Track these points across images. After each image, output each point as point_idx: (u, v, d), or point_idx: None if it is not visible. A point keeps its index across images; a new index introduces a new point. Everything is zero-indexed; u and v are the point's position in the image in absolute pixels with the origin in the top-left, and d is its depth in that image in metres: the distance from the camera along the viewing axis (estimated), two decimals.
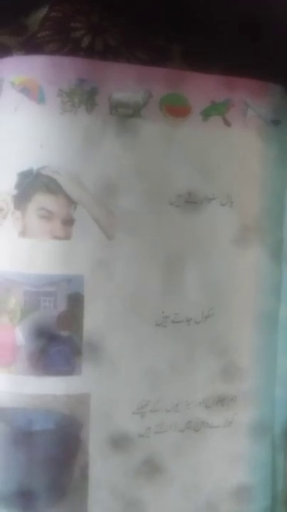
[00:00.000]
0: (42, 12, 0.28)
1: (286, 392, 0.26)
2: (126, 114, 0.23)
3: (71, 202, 0.23)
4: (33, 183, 0.23)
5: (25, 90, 0.23)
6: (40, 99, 0.23)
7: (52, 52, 0.26)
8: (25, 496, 0.24)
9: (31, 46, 0.27)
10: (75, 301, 0.23)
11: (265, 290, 0.25)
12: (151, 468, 0.25)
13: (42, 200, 0.23)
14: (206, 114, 0.24)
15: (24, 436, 0.24)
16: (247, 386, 0.25)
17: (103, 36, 0.27)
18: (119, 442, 0.24)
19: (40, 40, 0.27)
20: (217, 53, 0.27)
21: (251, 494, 0.26)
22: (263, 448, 0.26)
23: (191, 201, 0.24)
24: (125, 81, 0.23)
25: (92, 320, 0.24)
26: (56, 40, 0.27)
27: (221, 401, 0.25)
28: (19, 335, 0.23)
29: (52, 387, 0.23)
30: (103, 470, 0.24)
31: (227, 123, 0.25)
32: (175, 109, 0.24)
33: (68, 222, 0.23)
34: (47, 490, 0.24)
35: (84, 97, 0.23)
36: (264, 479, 0.26)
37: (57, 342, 0.23)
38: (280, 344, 0.25)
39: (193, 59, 0.28)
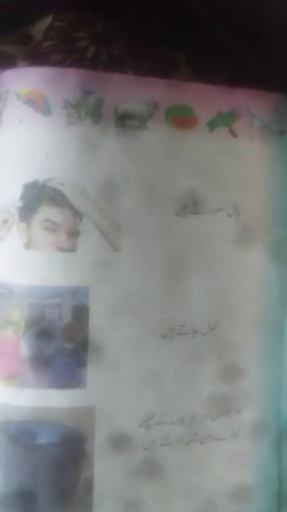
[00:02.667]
0: (47, 21, 0.28)
1: None
2: (132, 126, 0.23)
3: (77, 213, 0.23)
4: (38, 195, 0.23)
5: (31, 102, 0.23)
6: (45, 111, 0.23)
7: (57, 63, 0.26)
8: (29, 510, 0.24)
9: (36, 56, 0.27)
10: (80, 313, 0.23)
11: (270, 298, 0.25)
12: (154, 473, 0.25)
13: (47, 211, 0.23)
14: (212, 125, 0.24)
15: (28, 450, 0.23)
16: (252, 391, 0.25)
17: (108, 46, 0.27)
18: (124, 455, 0.24)
19: (44, 50, 0.27)
20: (223, 62, 0.27)
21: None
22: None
23: (197, 212, 0.24)
24: (131, 92, 0.23)
25: (97, 332, 0.23)
26: (61, 50, 0.27)
27: (228, 412, 0.25)
28: (23, 347, 0.23)
29: (56, 400, 0.23)
30: (108, 483, 0.24)
31: (234, 134, 0.24)
32: (182, 120, 0.24)
33: (74, 233, 0.23)
34: (51, 504, 0.24)
35: (90, 108, 0.23)
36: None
37: (62, 354, 0.23)
38: (286, 350, 0.25)
39: (199, 67, 0.28)
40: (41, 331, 0.23)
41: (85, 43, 0.27)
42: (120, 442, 0.24)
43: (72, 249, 0.23)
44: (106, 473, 0.24)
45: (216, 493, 0.25)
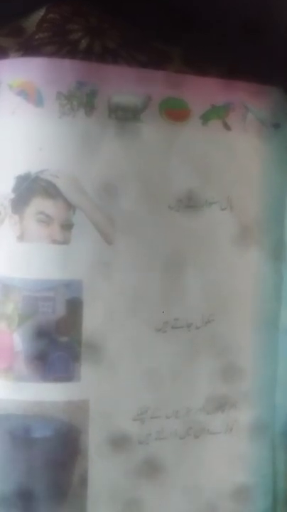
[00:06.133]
0: (40, 14, 0.28)
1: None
2: (125, 118, 0.23)
3: (70, 206, 0.23)
4: (31, 187, 0.23)
5: (23, 93, 0.23)
6: (38, 102, 0.22)
7: (50, 55, 0.26)
8: (24, 504, 0.24)
9: (29, 48, 0.27)
10: (74, 306, 0.23)
11: (265, 294, 0.25)
12: (151, 471, 0.24)
13: (40, 204, 0.23)
14: (206, 118, 0.24)
15: (22, 444, 0.23)
16: (248, 388, 0.25)
17: (101, 38, 0.27)
18: (119, 449, 0.24)
19: (37, 42, 0.27)
20: (217, 55, 0.27)
21: (251, 494, 0.25)
22: (263, 448, 0.26)
23: (191, 205, 0.24)
24: (124, 84, 0.23)
25: (91, 325, 0.23)
26: (54, 42, 0.27)
27: (222, 407, 0.25)
28: (17, 340, 0.23)
29: (50, 393, 0.23)
30: (102, 477, 0.24)
31: (227, 127, 0.24)
32: (175, 112, 0.24)
33: (67, 226, 0.23)
34: (46, 498, 0.24)
35: (83, 100, 0.23)
36: (264, 479, 0.26)
37: (56, 348, 0.23)
38: (281, 346, 0.25)
39: (193, 61, 0.28)
40: (35, 324, 0.23)
41: (78, 35, 0.27)
42: (115, 436, 0.24)
43: (66, 241, 0.23)
44: (101, 467, 0.24)
45: (214, 493, 0.25)
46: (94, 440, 0.24)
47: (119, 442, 0.24)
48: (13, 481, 0.23)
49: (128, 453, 0.24)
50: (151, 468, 0.24)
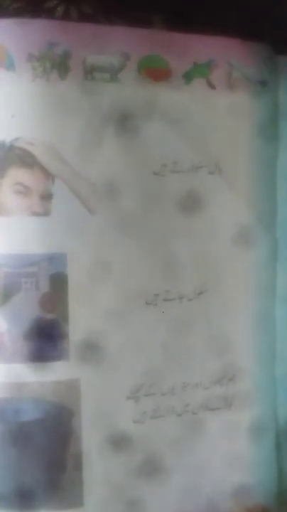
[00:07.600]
0: None
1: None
2: (102, 79, 0.22)
3: (48, 175, 0.22)
4: (6, 157, 0.22)
5: None
6: (8, 65, 0.21)
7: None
8: (18, 489, 0.23)
9: (3, 18, 0.26)
10: (59, 282, 0.22)
11: (259, 262, 0.24)
12: (149, 462, 0.24)
13: (17, 174, 0.22)
14: (188, 77, 0.23)
15: (12, 428, 0.22)
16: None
17: (77, 4, 0.26)
18: (113, 429, 0.23)
19: (12, 12, 0.26)
20: (200, 16, 0.26)
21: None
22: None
23: (177, 170, 0.23)
24: (99, 43, 0.22)
25: (78, 301, 0.22)
26: (28, 11, 0.26)
27: (220, 380, 0.24)
28: (1, 320, 0.22)
29: (39, 374, 0.22)
30: (97, 460, 0.23)
31: (211, 85, 0.23)
32: (155, 71, 0.23)
33: (46, 197, 0.22)
34: (40, 483, 0.23)
35: (56, 61, 0.22)
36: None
37: (42, 326, 0.22)
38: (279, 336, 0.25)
39: (175, 23, 0.26)
40: (18, 302, 0.22)
41: (53, 2, 0.26)
42: (108, 416, 0.23)
43: (46, 213, 0.22)
44: (96, 450, 0.23)
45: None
46: (87, 421, 0.23)
47: (113, 422, 0.23)
48: (6, 467, 0.22)
49: (123, 433, 0.23)
50: (149, 453, 0.23)
